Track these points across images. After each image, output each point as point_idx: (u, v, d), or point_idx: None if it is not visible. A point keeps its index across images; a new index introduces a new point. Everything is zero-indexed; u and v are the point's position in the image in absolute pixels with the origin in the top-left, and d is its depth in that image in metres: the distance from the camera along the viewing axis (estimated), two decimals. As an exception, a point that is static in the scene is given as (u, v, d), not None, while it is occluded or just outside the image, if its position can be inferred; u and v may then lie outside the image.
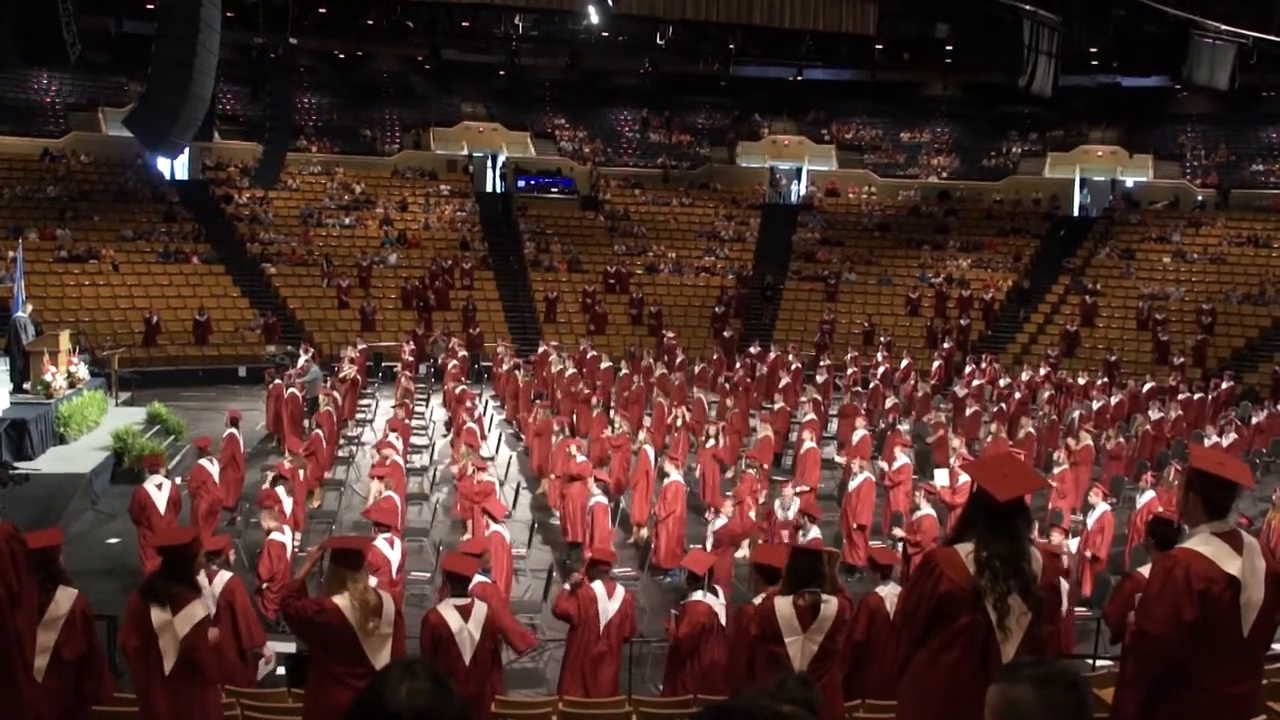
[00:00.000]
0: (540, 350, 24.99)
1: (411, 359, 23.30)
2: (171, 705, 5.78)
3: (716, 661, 7.29)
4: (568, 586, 8.01)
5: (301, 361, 20.95)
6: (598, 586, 7.78)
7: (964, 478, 12.62)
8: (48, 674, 5.41)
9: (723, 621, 7.52)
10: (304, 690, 5.86)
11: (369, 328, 27.80)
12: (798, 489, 13.17)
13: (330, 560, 5.73)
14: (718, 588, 7.87)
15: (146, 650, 5.77)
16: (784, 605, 5.93)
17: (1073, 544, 11.37)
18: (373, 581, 6.91)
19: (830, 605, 5.98)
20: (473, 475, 12.37)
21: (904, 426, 17.46)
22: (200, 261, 28.86)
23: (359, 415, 20.06)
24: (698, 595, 7.68)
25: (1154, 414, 19.54)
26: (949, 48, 32.88)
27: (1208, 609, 3.94)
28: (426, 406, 21.17)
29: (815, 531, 10.75)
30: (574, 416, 18.03)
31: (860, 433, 16.61)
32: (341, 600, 5.50)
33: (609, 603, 7.73)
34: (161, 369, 24.35)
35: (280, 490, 11.43)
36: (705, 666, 7.45)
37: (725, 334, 29.15)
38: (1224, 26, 23.75)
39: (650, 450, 14.27)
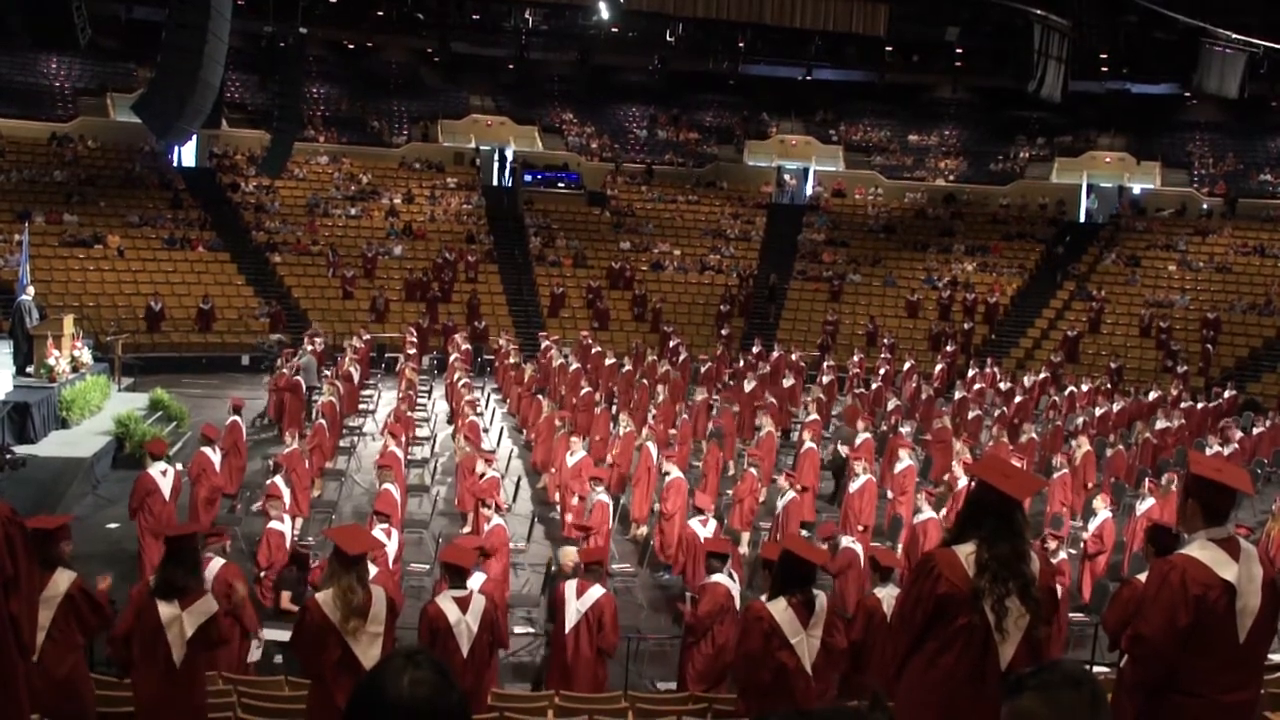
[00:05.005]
0: (543, 345, 25.02)
1: (415, 351, 23.31)
2: (177, 695, 5.81)
3: (728, 644, 7.31)
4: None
5: (302, 356, 20.85)
6: (568, 585, 7.63)
7: (963, 481, 12.64)
8: (44, 652, 5.51)
9: (738, 605, 7.54)
10: (306, 692, 5.89)
11: (380, 319, 27.90)
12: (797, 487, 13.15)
13: (331, 554, 5.75)
14: (734, 572, 7.91)
15: (153, 643, 5.80)
16: (779, 607, 5.92)
17: (1071, 550, 11.37)
18: (373, 571, 6.94)
19: (821, 599, 6.00)
20: (480, 473, 12.35)
21: (906, 429, 17.46)
22: (205, 249, 28.87)
23: (361, 406, 20.07)
24: (718, 577, 7.69)
25: (1161, 423, 19.53)
26: (959, 51, 32.79)
27: (1203, 615, 3.95)
28: (429, 399, 21.18)
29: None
30: (574, 411, 18.02)
31: (863, 435, 16.59)
32: (324, 596, 5.50)
33: (576, 603, 7.49)
34: (165, 355, 24.38)
35: (279, 480, 11.46)
36: (718, 647, 7.48)
37: (724, 332, 29.16)
38: (1235, 35, 23.70)
39: (653, 447, 14.25)
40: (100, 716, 6.08)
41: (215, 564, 7.86)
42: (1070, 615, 10.24)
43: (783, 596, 5.92)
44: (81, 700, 5.87)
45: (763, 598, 6.18)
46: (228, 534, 8.78)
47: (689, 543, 11.24)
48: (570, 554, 8.85)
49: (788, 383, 21.93)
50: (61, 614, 5.75)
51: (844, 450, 16.05)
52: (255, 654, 8.25)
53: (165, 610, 5.81)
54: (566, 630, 7.49)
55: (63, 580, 5.81)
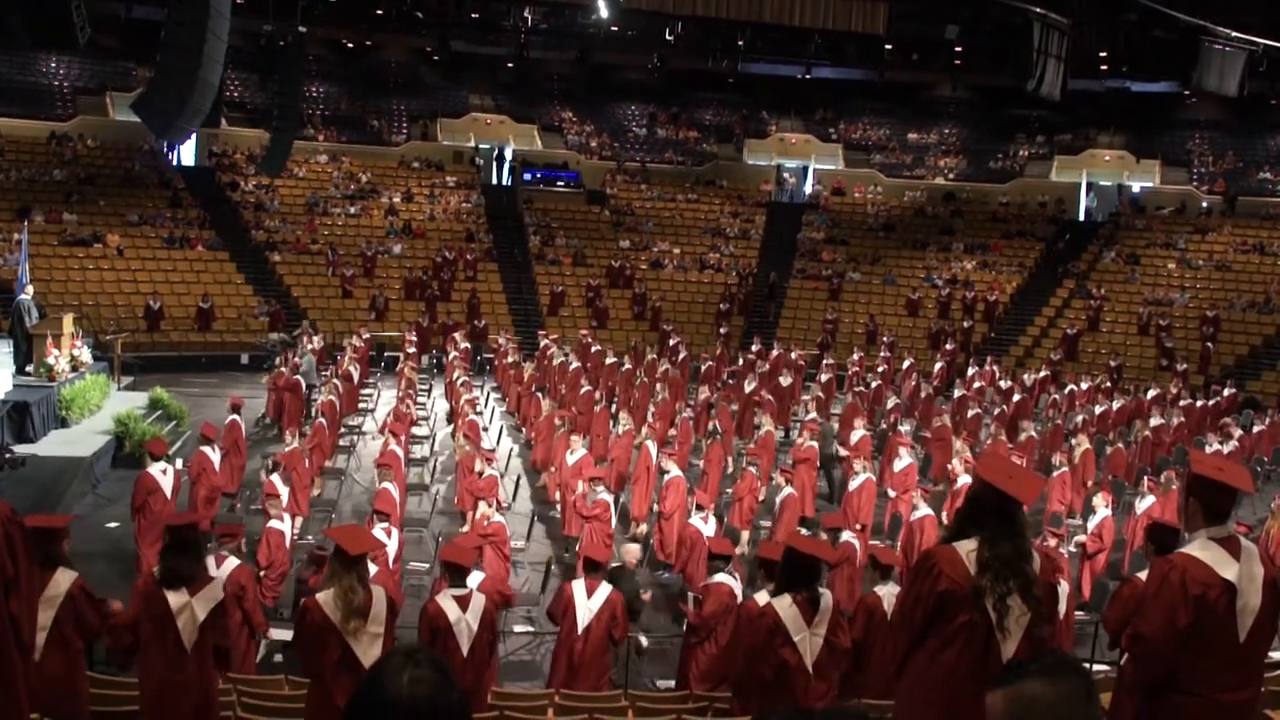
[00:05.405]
0: (542, 344, 25.02)
1: (414, 350, 23.29)
2: (187, 683, 5.81)
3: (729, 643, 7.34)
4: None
5: (302, 355, 20.85)
6: (578, 585, 7.63)
7: (963, 479, 12.64)
8: (46, 652, 5.51)
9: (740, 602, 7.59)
10: (305, 691, 5.89)
11: (380, 318, 27.90)
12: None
13: (331, 554, 5.74)
14: (735, 571, 7.93)
15: (162, 631, 5.80)
16: (784, 604, 5.90)
17: (1071, 547, 11.37)
18: (373, 570, 6.93)
19: (827, 597, 5.98)
20: (479, 471, 12.34)
21: (905, 427, 17.45)
22: (205, 248, 28.85)
23: (360, 405, 20.07)
24: (721, 576, 7.67)
25: (1155, 420, 19.54)
26: (958, 49, 32.78)
27: (1203, 614, 3.95)
28: (428, 397, 21.18)
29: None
30: (574, 409, 18.00)
31: (860, 433, 16.60)
32: (324, 597, 5.49)
33: (588, 602, 7.51)
34: (164, 354, 24.38)
35: (277, 479, 11.46)
36: (722, 647, 7.47)
37: (723, 330, 29.17)
38: (1234, 33, 23.71)
39: (652, 446, 14.25)
40: (99, 716, 6.06)
41: (229, 564, 7.83)
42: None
43: (788, 593, 5.91)
44: (80, 701, 5.86)
45: (761, 595, 6.17)
46: (241, 532, 8.71)
47: (691, 541, 11.24)
48: (633, 550, 9.03)
49: (787, 381, 21.92)
50: (62, 614, 5.73)
51: (842, 451, 16.05)
52: (261, 651, 8.26)
53: (174, 598, 5.80)
54: (578, 630, 7.50)
55: (64, 580, 5.80)
